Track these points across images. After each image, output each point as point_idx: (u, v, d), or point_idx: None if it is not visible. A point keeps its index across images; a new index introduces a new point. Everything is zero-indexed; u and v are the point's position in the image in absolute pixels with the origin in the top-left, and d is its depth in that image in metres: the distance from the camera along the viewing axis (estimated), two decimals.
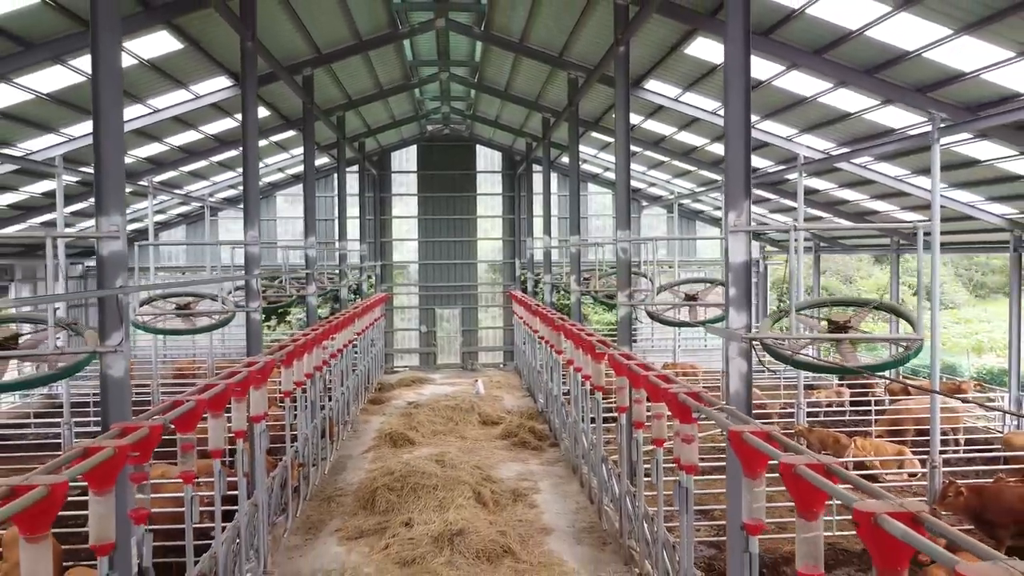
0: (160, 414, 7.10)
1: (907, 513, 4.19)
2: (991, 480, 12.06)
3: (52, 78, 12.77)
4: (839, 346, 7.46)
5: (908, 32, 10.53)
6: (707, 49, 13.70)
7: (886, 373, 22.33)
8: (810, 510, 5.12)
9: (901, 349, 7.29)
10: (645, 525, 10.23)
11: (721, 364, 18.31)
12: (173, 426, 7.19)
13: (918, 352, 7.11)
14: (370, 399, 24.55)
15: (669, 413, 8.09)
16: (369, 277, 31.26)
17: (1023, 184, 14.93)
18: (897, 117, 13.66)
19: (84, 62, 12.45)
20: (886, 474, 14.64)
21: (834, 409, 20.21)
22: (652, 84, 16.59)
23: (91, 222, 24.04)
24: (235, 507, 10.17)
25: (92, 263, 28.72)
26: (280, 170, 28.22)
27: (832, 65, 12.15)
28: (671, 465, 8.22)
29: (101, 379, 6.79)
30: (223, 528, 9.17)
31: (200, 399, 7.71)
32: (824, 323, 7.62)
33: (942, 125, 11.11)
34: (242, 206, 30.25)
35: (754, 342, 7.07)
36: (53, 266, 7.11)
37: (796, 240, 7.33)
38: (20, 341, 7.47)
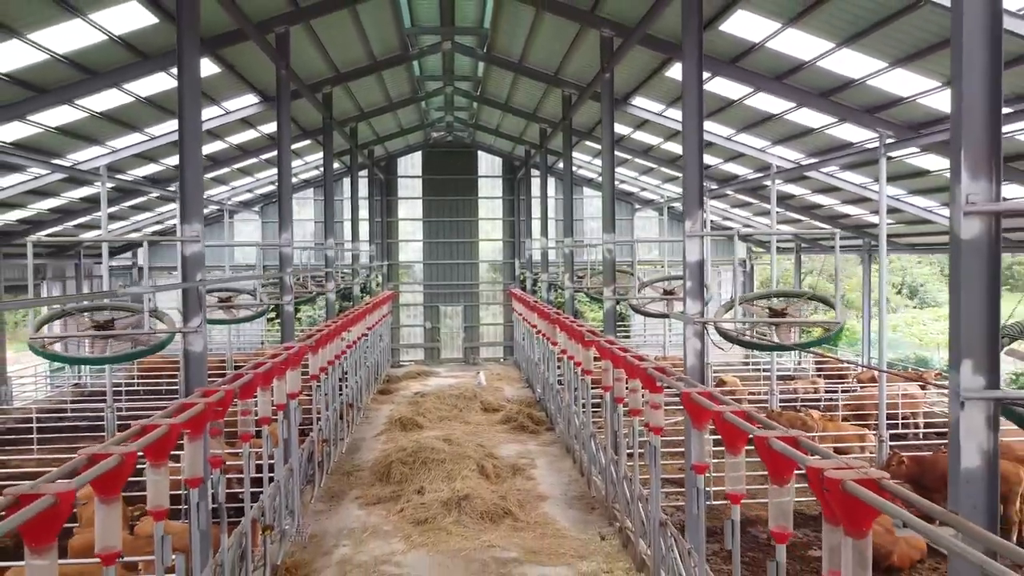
0: (226, 385, 8.83)
1: (790, 437, 5.92)
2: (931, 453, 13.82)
3: (106, 99, 14.49)
4: (777, 328, 9.17)
5: (852, 63, 12.26)
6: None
7: (860, 362, 24.03)
8: (734, 446, 6.83)
9: (824, 331, 9.02)
10: (625, 485, 11.96)
11: (706, 357, 19.99)
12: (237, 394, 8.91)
13: (839, 333, 8.83)
14: (379, 390, 26.28)
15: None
16: (376, 276, 32.99)
17: None
18: (853, 133, 15.40)
19: (136, 86, 14.21)
20: (847, 448, 16.35)
21: (809, 396, 21.93)
22: (638, 101, 18.33)
23: (119, 224, 25.82)
24: (271, 474, 11.88)
25: (115, 263, 30.45)
26: (293, 175, 29.93)
27: (791, 89, 13.87)
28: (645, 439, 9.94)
29: (184, 354, 8.51)
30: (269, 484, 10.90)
31: (257, 373, 9.45)
32: (767, 311, 9.33)
33: (888, 141, 12.88)
34: (256, 209, 32.05)
35: (706, 325, 8.79)
36: (147, 265, 8.78)
37: (742, 240, 9.02)
38: (115, 324, 9.18)
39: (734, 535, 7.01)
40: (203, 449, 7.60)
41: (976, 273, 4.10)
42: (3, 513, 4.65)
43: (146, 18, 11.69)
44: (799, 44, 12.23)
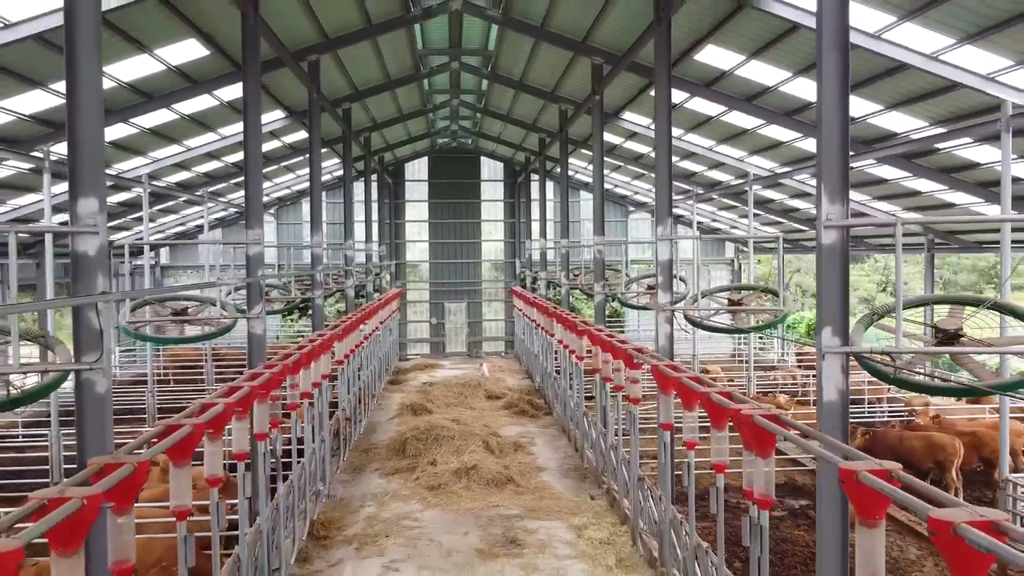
0: (282, 361, 10.74)
1: (726, 392, 7.82)
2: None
3: (155, 118, 16.41)
4: (734, 315, 11.08)
5: (807, 89, 14.18)
6: None
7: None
8: (689, 405, 8.74)
9: (772, 317, 10.96)
10: (612, 453, 13.88)
11: (690, 348, 21.98)
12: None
13: (784, 319, 10.75)
14: (389, 380, 28.21)
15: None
16: (385, 275, 34.92)
17: (923, 198, 18.59)
18: (816, 146, 17.29)
19: (182, 106, 16.12)
20: (815, 425, 18.26)
21: (788, 384, 23.90)
22: (628, 115, 20.28)
23: (149, 225, 27.71)
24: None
25: (139, 262, 32.39)
26: (306, 180, 31.90)
27: (759, 109, 15.80)
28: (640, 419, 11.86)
29: (248, 337, 10.42)
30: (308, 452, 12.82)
31: (303, 353, 11.36)
32: (727, 302, 11.23)
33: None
34: (271, 211, 33.89)
35: (674, 313, 10.72)
36: (219, 264, 10.67)
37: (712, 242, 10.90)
38: (188, 312, 11.09)
39: (689, 476, 8.93)
40: (267, 411, 9.51)
41: (833, 267, 5.99)
42: (155, 439, 6.56)
43: (200, 51, 13.62)
44: (762, 72, 14.14)
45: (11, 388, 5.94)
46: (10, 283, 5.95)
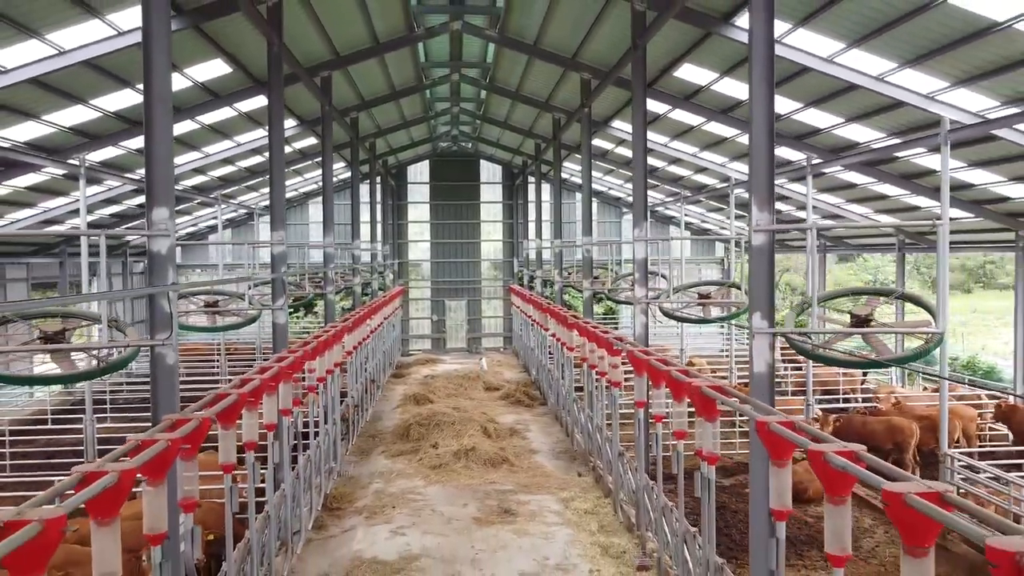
0: (303, 347, 12.12)
1: (684, 370, 9.20)
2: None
3: (179, 128, 17.77)
4: (703, 308, 12.47)
5: (777, 103, 15.53)
6: (651, 105, 18.71)
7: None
8: (657, 383, 10.12)
9: (734, 309, 12.36)
10: (598, 434, 15.27)
11: (687, 347, 23.29)
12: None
13: (746, 310, 12.12)
14: (392, 374, 29.59)
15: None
16: (388, 273, 36.30)
17: (891, 201, 19.97)
18: (791, 154, 18.71)
19: (204, 117, 17.50)
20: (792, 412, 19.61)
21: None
22: (617, 123, 21.67)
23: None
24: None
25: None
26: (315, 183, 33.26)
27: (735, 120, 17.17)
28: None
29: (273, 326, 11.81)
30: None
31: (320, 341, 12.74)
32: (697, 296, 12.62)
33: (814, 162, 16.17)
34: None
35: (649, 305, 12.10)
36: (248, 262, 11.98)
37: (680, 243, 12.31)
38: (218, 305, 12.47)
39: (658, 446, 10.32)
40: (291, 391, 10.90)
41: (762, 264, 7.36)
42: (204, 408, 7.93)
43: (224, 69, 15.01)
44: (734, 88, 15.52)
45: (99, 360, 7.30)
46: (100, 279, 7.31)
